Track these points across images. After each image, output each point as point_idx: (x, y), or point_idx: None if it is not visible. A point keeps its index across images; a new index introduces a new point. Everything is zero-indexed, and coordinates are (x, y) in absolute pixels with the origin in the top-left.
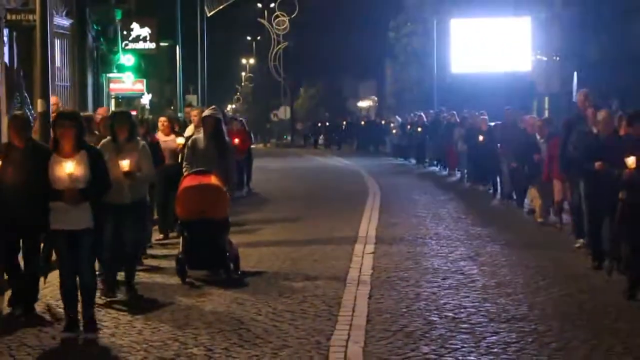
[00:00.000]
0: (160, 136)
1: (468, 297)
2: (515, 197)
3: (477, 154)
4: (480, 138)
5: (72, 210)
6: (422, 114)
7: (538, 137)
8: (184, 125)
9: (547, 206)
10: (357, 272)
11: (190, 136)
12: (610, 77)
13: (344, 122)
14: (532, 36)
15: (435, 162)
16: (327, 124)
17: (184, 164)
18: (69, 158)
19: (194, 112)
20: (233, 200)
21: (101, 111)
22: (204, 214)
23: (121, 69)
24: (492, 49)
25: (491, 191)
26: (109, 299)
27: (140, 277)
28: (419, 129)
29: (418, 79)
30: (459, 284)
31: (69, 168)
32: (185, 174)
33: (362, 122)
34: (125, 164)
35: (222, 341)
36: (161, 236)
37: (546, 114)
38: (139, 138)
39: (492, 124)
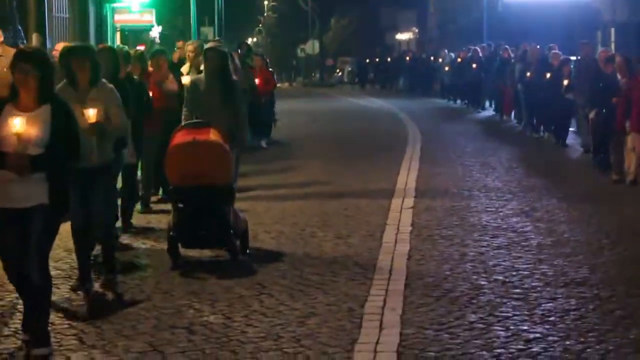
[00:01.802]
0: (154, 77)
1: (521, 258)
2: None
3: (542, 96)
4: (548, 75)
5: (18, 182)
6: (477, 47)
7: (619, 77)
8: (172, 66)
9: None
10: (394, 229)
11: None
12: None
13: (388, 59)
14: None
15: (490, 105)
16: (377, 60)
17: (183, 111)
18: (25, 112)
19: (190, 47)
20: (251, 151)
21: (59, 47)
22: (201, 179)
23: None
24: None
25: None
26: (81, 292)
27: (141, 241)
28: (474, 66)
29: (465, 7)
30: (511, 242)
31: (16, 125)
32: (180, 126)
33: (407, 59)
34: (91, 114)
35: (242, 308)
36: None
37: (612, 47)
38: (104, 80)
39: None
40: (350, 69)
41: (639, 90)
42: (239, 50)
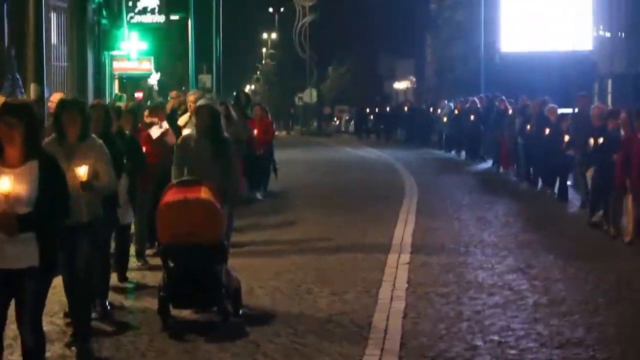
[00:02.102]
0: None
1: (517, 317)
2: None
3: (541, 150)
4: (547, 131)
5: (9, 242)
6: (475, 98)
7: (622, 132)
8: (169, 117)
9: (618, 221)
10: (390, 286)
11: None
12: None
13: (387, 109)
14: (593, 9)
15: (488, 158)
16: (376, 109)
17: (173, 168)
18: (12, 169)
19: (192, 97)
20: (248, 204)
21: (54, 97)
22: (192, 238)
23: (126, 45)
24: (548, 24)
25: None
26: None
27: (136, 297)
28: (472, 117)
29: (462, 57)
30: (507, 301)
31: (3, 185)
32: (171, 183)
33: (406, 109)
34: (82, 172)
35: None
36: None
37: (609, 98)
38: (93, 136)
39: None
40: (347, 117)
41: (638, 145)
42: (239, 100)
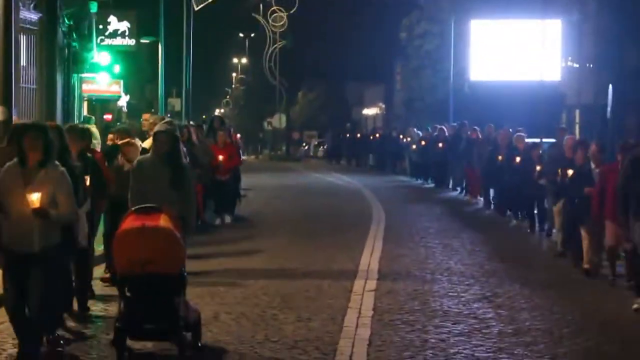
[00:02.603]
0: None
1: (481, 346)
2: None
3: (511, 179)
4: (517, 159)
5: None
6: (444, 127)
7: (593, 165)
8: (142, 137)
9: (596, 253)
10: (356, 313)
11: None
12: None
13: (358, 135)
14: (562, 41)
15: (457, 186)
16: (347, 136)
17: (129, 194)
18: None
19: (151, 121)
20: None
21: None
22: (149, 267)
23: (96, 68)
24: (517, 54)
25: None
26: None
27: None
28: (440, 145)
29: (432, 86)
30: (472, 329)
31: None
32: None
33: (377, 135)
34: (34, 198)
35: None
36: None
37: (577, 128)
38: (56, 162)
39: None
40: (316, 142)
41: (614, 178)
42: (212, 124)
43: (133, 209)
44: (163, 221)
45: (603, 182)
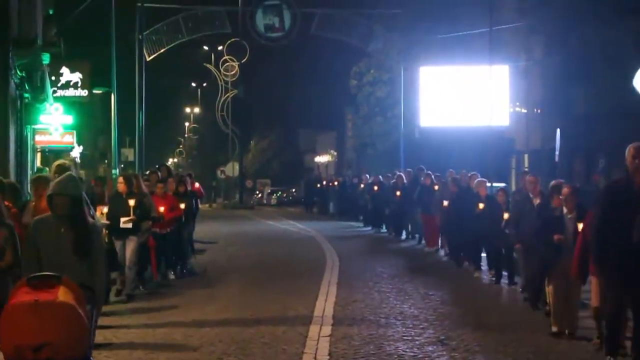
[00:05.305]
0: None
1: None
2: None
3: (475, 227)
4: (481, 206)
5: None
6: (402, 173)
7: (565, 210)
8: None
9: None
10: (311, 359)
11: None
12: (598, 132)
13: (318, 185)
14: (510, 87)
15: (414, 234)
16: (323, 183)
17: (22, 261)
18: None
19: (53, 167)
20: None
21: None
22: (43, 352)
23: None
24: (466, 100)
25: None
26: None
27: None
28: (398, 193)
29: (383, 132)
30: None
31: None
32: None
33: (336, 183)
34: None
35: None
36: None
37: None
38: (8, 220)
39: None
40: (269, 190)
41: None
42: (159, 173)
43: (25, 278)
44: (62, 294)
45: (585, 232)
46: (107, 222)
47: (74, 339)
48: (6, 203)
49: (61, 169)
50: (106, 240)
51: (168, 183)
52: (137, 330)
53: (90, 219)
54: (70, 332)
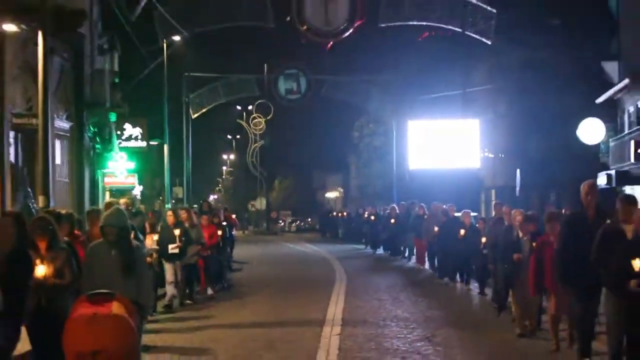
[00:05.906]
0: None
1: None
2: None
3: (454, 249)
4: (462, 232)
5: None
6: (395, 205)
7: (520, 234)
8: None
9: (531, 321)
10: (325, 352)
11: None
12: (550, 172)
13: (330, 215)
14: (480, 136)
15: (408, 255)
16: (333, 214)
17: (82, 280)
18: None
19: (122, 201)
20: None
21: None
22: (100, 356)
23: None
24: (445, 147)
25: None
26: None
27: None
28: (392, 221)
29: (379, 173)
30: None
31: None
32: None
33: (345, 214)
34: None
35: None
36: None
37: (492, 205)
38: (62, 244)
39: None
40: (290, 220)
41: (550, 249)
42: (201, 208)
43: (85, 295)
44: (116, 308)
45: (539, 254)
46: (157, 247)
47: (125, 346)
48: (76, 232)
49: (110, 205)
50: (155, 262)
51: (202, 218)
52: (185, 332)
53: (134, 242)
54: (123, 340)
